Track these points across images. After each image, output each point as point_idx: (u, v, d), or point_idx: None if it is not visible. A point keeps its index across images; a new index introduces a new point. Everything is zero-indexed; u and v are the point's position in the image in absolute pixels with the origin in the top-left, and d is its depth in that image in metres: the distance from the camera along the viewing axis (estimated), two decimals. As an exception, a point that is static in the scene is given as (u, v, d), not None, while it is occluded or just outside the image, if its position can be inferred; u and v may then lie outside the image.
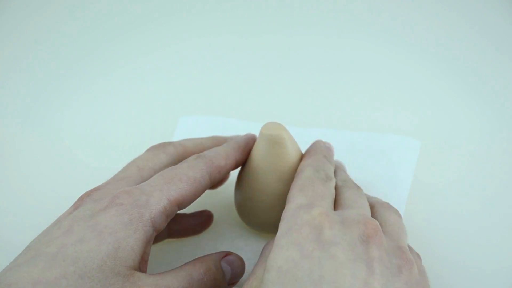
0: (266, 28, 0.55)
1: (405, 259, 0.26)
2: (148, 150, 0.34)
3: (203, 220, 0.38)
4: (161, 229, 0.29)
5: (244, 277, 0.33)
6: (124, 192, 0.28)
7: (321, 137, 0.37)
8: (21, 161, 0.48)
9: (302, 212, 0.27)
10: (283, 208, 0.33)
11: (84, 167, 0.46)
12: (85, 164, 0.46)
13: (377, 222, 0.27)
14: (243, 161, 0.35)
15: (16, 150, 0.49)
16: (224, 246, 0.37)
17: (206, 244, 0.38)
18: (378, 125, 0.48)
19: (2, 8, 0.54)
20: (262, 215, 0.34)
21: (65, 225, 0.27)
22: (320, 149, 0.34)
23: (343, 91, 0.52)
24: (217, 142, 0.37)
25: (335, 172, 0.35)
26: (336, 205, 0.30)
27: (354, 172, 0.37)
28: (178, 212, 0.37)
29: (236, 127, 0.42)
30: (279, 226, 0.27)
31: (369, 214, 0.29)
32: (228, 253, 0.32)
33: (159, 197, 0.28)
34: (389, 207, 0.31)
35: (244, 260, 0.35)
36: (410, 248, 0.29)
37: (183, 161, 0.32)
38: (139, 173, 0.32)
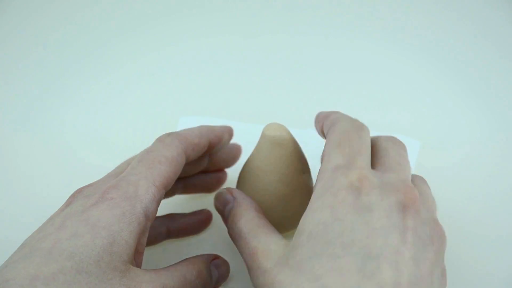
0: (267, 29, 0.55)
1: (438, 231, 0.26)
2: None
3: (202, 220, 0.38)
4: (153, 217, 0.29)
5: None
6: (112, 186, 0.28)
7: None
8: (21, 160, 0.48)
9: (339, 174, 0.26)
10: (285, 209, 0.34)
11: (85, 167, 0.46)
12: (85, 163, 0.46)
13: (417, 191, 0.26)
14: (216, 144, 0.35)
15: (17, 150, 0.49)
16: (224, 247, 0.37)
17: (206, 244, 0.38)
18: (378, 125, 0.48)
19: (2, 8, 0.54)
20: (267, 215, 0.34)
21: (57, 221, 0.27)
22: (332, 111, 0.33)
23: (343, 92, 0.52)
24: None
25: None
26: (378, 161, 0.29)
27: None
28: (177, 212, 0.38)
29: (236, 128, 0.42)
30: (315, 187, 0.27)
31: (410, 179, 0.28)
32: (216, 257, 0.32)
33: (146, 186, 0.28)
34: (425, 180, 0.30)
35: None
36: None
37: (157, 139, 0.32)
38: None
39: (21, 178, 0.46)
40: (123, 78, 0.54)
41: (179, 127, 0.47)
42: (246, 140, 0.40)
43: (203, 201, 0.40)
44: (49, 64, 0.54)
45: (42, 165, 0.47)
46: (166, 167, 0.30)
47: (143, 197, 0.28)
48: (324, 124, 0.32)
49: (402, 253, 0.23)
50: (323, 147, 0.30)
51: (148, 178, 0.29)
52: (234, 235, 0.30)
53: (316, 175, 0.28)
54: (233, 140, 0.40)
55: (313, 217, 0.25)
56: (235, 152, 0.40)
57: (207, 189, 0.40)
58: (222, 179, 0.40)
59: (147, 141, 0.36)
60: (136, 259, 0.28)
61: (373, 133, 0.43)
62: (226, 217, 0.31)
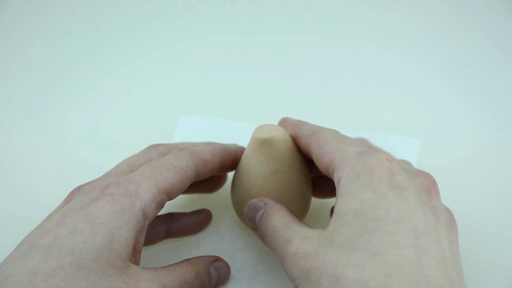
0: (266, 29, 0.56)
1: (453, 217, 0.29)
2: (141, 150, 0.35)
3: (202, 219, 0.38)
4: (152, 218, 0.29)
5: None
6: (113, 182, 0.28)
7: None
8: (21, 159, 0.48)
9: (366, 157, 0.27)
10: None
11: (84, 167, 0.46)
12: (85, 163, 0.46)
13: (433, 176, 0.28)
14: (229, 164, 0.35)
15: (16, 149, 0.49)
16: (224, 246, 0.37)
17: (206, 243, 0.37)
18: (378, 125, 0.48)
19: (2, 8, 0.54)
20: None
21: (56, 218, 0.27)
22: (297, 120, 0.34)
23: (343, 92, 0.52)
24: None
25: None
26: None
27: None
28: (177, 212, 0.38)
29: (236, 128, 0.42)
30: (339, 174, 0.27)
31: None
32: (216, 259, 0.33)
33: (148, 186, 0.29)
34: None
35: (245, 260, 0.36)
36: None
37: (170, 153, 0.32)
38: (129, 168, 0.32)
39: (21, 176, 0.46)
40: (123, 78, 0.55)
41: (179, 127, 0.47)
42: (246, 140, 0.40)
43: (203, 201, 0.40)
44: (49, 64, 0.54)
45: (42, 164, 0.47)
46: (173, 174, 0.30)
47: (143, 196, 0.28)
48: (299, 132, 0.32)
49: (439, 230, 0.25)
50: None
51: (151, 179, 0.29)
52: (266, 231, 0.30)
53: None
54: (234, 140, 0.40)
55: (354, 197, 0.26)
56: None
57: (208, 189, 0.40)
58: (222, 179, 0.40)
59: (147, 141, 0.36)
60: (134, 257, 0.28)
61: (373, 133, 0.43)
62: (257, 222, 0.31)
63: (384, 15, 0.54)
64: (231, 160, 0.35)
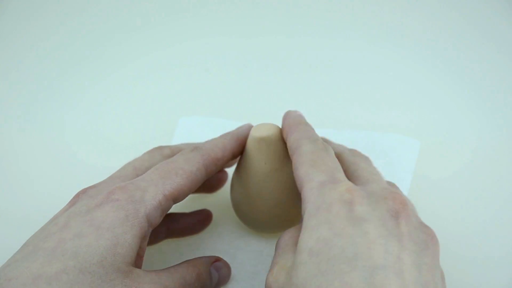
0: (266, 29, 0.56)
1: (430, 234, 0.26)
2: (145, 152, 0.34)
3: (202, 219, 0.38)
4: (156, 224, 0.29)
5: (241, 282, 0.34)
6: (119, 188, 0.28)
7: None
8: (22, 160, 0.48)
9: (327, 189, 0.26)
10: (276, 206, 0.34)
11: (85, 167, 0.46)
12: (86, 164, 0.46)
13: (404, 196, 0.26)
14: (240, 152, 0.35)
15: (18, 150, 0.49)
16: (224, 246, 0.37)
17: (206, 243, 0.37)
18: (378, 125, 0.48)
19: (2, 8, 0.54)
20: (256, 214, 0.35)
21: (61, 221, 0.27)
22: (295, 119, 0.33)
23: (343, 91, 0.52)
24: None
25: (332, 144, 0.35)
26: (352, 175, 0.29)
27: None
28: (177, 212, 0.38)
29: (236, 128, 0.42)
30: (304, 207, 0.27)
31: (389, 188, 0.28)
32: (217, 259, 0.32)
33: (154, 193, 0.28)
34: (396, 186, 0.31)
35: (245, 260, 0.36)
36: None
37: (179, 153, 0.32)
38: (135, 172, 0.32)
39: (23, 178, 0.46)
40: (123, 78, 0.55)
41: (179, 128, 0.47)
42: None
43: (203, 201, 0.40)
44: (50, 65, 0.54)
45: (43, 165, 0.47)
46: (181, 180, 0.30)
47: (148, 203, 0.28)
48: (287, 140, 0.32)
49: (404, 260, 0.23)
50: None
51: (159, 186, 0.29)
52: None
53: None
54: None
55: (311, 234, 0.25)
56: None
57: (208, 189, 0.40)
58: (223, 179, 0.40)
59: (148, 141, 0.36)
60: (136, 262, 0.28)
61: (372, 132, 0.43)
62: None
63: (384, 15, 0.54)
64: (241, 148, 0.35)
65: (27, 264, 0.24)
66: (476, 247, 0.37)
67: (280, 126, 0.34)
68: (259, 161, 0.33)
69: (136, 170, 0.32)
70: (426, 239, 0.25)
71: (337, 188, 0.26)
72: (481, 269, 0.36)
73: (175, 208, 0.39)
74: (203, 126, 0.46)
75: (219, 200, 0.40)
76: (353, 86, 0.52)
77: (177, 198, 0.30)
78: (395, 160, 0.40)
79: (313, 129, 0.33)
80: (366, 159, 0.31)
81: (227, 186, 0.40)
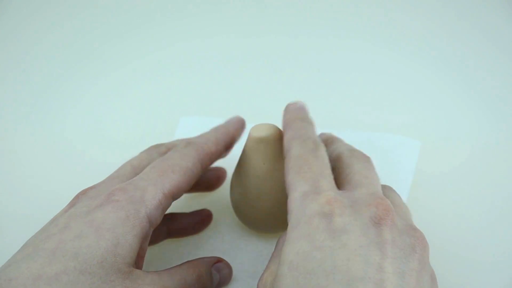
0: (267, 29, 0.56)
1: (418, 237, 0.25)
2: (142, 151, 0.35)
3: (202, 219, 0.38)
4: (157, 224, 0.29)
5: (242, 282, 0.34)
6: (119, 189, 0.28)
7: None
8: (23, 159, 0.48)
9: (308, 201, 0.26)
10: (275, 206, 0.34)
11: (86, 167, 0.46)
12: (86, 163, 0.46)
13: (389, 201, 0.26)
14: (233, 144, 0.35)
15: (19, 149, 0.49)
16: (224, 247, 0.37)
17: (206, 244, 0.37)
18: (378, 125, 0.48)
19: (3, 7, 0.54)
20: (255, 214, 0.35)
21: (61, 222, 0.27)
22: (293, 114, 0.33)
23: (343, 92, 0.52)
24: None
25: (338, 142, 0.34)
26: (345, 179, 0.29)
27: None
28: (177, 212, 0.38)
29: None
30: (288, 218, 0.27)
31: (380, 191, 0.28)
32: (218, 260, 0.33)
33: (153, 192, 0.29)
34: (392, 189, 0.30)
35: (245, 260, 0.36)
36: None
37: (173, 149, 0.32)
38: (133, 171, 0.32)
39: (24, 176, 0.46)
40: (124, 78, 0.55)
41: (179, 128, 0.47)
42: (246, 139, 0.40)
43: (203, 201, 0.40)
44: (51, 64, 0.55)
45: (44, 165, 0.47)
46: (179, 177, 0.30)
47: (149, 203, 0.28)
48: (283, 142, 0.31)
49: (385, 269, 0.23)
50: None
51: (158, 185, 0.29)
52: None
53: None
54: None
55: (292, 247, 0.24)
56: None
57: (207, 187, 0.40)
58: (222, 177, 0.40)
59: (148, 141, 0.36)
60: (137, 262, 0.28)
61: (373, 133, 0.43)
62: None
63: (384, 15, 0.54)
64: (233, 141, 0.35)
65: (27, 265, 0.24)
66: (476, 247, 0.37)
67: (280, 127, 0.34)
68: (258, 161, 0.33)
69: (135, 169, 0.32)
70: (414, 243, 0.25)
71: (318, 200, 0.26)
72: (482, 269, 0.36)
73: (175, 208, 0.39)
74: (204, 126, 0.46)
75: (219, 200, 0.40)
76: (353, 87, 0.52)
77: (175, 195, 0.30)
78: (396, 161, 0.40)
79: (311, 123, 0.32)
80: (365, 160, 0.30)
81: (226, 186, 0.40)
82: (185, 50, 0.56)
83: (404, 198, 0.37)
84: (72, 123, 0.51)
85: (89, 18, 0.56)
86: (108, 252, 0.25)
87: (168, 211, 0.37)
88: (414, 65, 0.52)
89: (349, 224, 0.24)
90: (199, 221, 0.38)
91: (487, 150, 0.46)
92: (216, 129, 0.35)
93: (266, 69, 0.54)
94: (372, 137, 0.43)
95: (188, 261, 0.31)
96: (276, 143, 0.33)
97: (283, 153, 0.31)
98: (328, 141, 0.34)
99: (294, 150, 0.29)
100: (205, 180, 0.39)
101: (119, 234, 0.26)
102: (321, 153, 0.29)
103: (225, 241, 0.37)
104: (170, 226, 0.37)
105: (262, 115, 0.45)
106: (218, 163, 0.38)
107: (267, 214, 0.34)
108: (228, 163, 0.39)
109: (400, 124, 0.48)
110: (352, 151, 0.31)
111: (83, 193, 0.30)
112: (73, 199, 0.30)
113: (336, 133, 0.43)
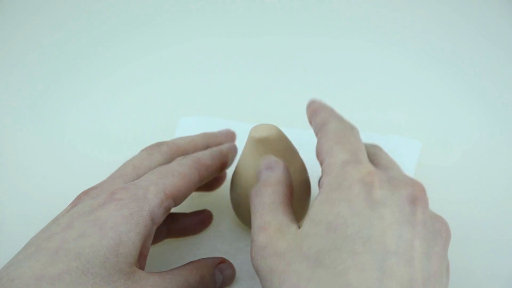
0: (267, 29, 0.56)
1: (445, 225, 0.27)
2: (143, 150, 0.35)
3: (202, 219, 0.38)
4: (159, 223, 0.29)
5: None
6: (121, 188, 0.29)
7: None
8: (24, 159, 0.48)
9: (350, 168, 0.26)
10: None
11: (86, 168, 0.46)
12: (87, 164, 0.46)
13: (423, 184, 0.27)
14: (228, 165, 0.36)
15: (20, 149, 0.49)
16: (224, 247, 0.37)
17: (206, 244, 0.37)
18: (378, 126, 0.48)
19: (2, 7, 0.54)
20: None
21: (64, 221, 0.27)
22: (322, 104, 0.33)
23: (343, 92, 0.52)
24: (207, 138, 0.38)
25: None
26: (373, 162, 0.30)
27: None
28: (177, 212, 0.38)
29: (236, 128, 0.42)
30: (323, 180, 0.27)
31: None
32: (222, 260, 0.33)
33: (155, 191, 0.29)
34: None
35: (245, 260, 0.36)
36: None
37: (173, 162, 0.33)
38: (134, 171, 0.32)
39: (25, 176, 0.46)
40: (125, 78, 0.55)
41: (180, 128, 0.47)
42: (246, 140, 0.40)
43: (203, 201, 0.40)
44: (52, 64, 0.55)
45: (45, 164, 0.47)
46: (178, 180, 0.30)
47: (151, 201, 0.28)
48: (313, 121, 0.32)
49: (415, 247, 0.24)
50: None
51: (159, 185, 0.29)
52: (253, 200, 0.29)
53: (320, 171, 0.28)
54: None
55: (331, 208, 0.25)
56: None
57: (207, 187, 0.40)
58: (222, 177, 0.40)
59: (149, 141, 0.36)
60: (140, 262, 0.28)
61: (373, 134, 0.43)
62: (258, 178, 0.30)
63: (384, 15, 0.54)
64: (227, 160, 0.36)
65: (30, 264, 0.24)
66: (476, 247, 0.37)
67: (279, 127, 0.34)
68: (258, 162, 0.33)
69: (136, 168, 0.32)
70: (441, 229, 0.26)
71: (359, 169, 0.26)
72: (480, 267, 0.36)
73: (175, 209, 0.39)
74: (204, 126, 0.46)
75: (219, 200, 0.40)
76: (353, 87, 0.52)
77: (176, 197, 0.30)
78: (396, 161, 0.40)
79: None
80: (386, 153, 0.32)
81: (227, 186, 0.40)
82: (185, 50, 0.56)
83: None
84: (73, 123, 0.51)
85: (90, 18, 0.56)
86: (111, 252, 0.26)
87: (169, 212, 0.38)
88: (414, 65, 0.52)
89: (387, 198, 0.25)
90: (199, 221, 0.38)
91: (487, 150, 0.46)
92: (211, 149, 0.36)
93: (266, 69, 0.54)
94: (373, 138, 0.43)
95: (191, 262, 0.31)
96: (276, 143, 0.33)
97: (314, 130, 0.31)
98: None
99: (332, 124, 0.30)
100: None
101: (122, 232, 0.26)
102: (357, 134, 0.30)
103: (225, 241, 0.37)
104: (170, 226, 0.37)
105: (263, 115, 0.45)
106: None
107: None
108: (228, 163, 0.39)
109: (400, 125, 0.48)
110: (374, 144, 0.33)
111: (85, 193, 0.30)
112: (75, 199, 0.30)
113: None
